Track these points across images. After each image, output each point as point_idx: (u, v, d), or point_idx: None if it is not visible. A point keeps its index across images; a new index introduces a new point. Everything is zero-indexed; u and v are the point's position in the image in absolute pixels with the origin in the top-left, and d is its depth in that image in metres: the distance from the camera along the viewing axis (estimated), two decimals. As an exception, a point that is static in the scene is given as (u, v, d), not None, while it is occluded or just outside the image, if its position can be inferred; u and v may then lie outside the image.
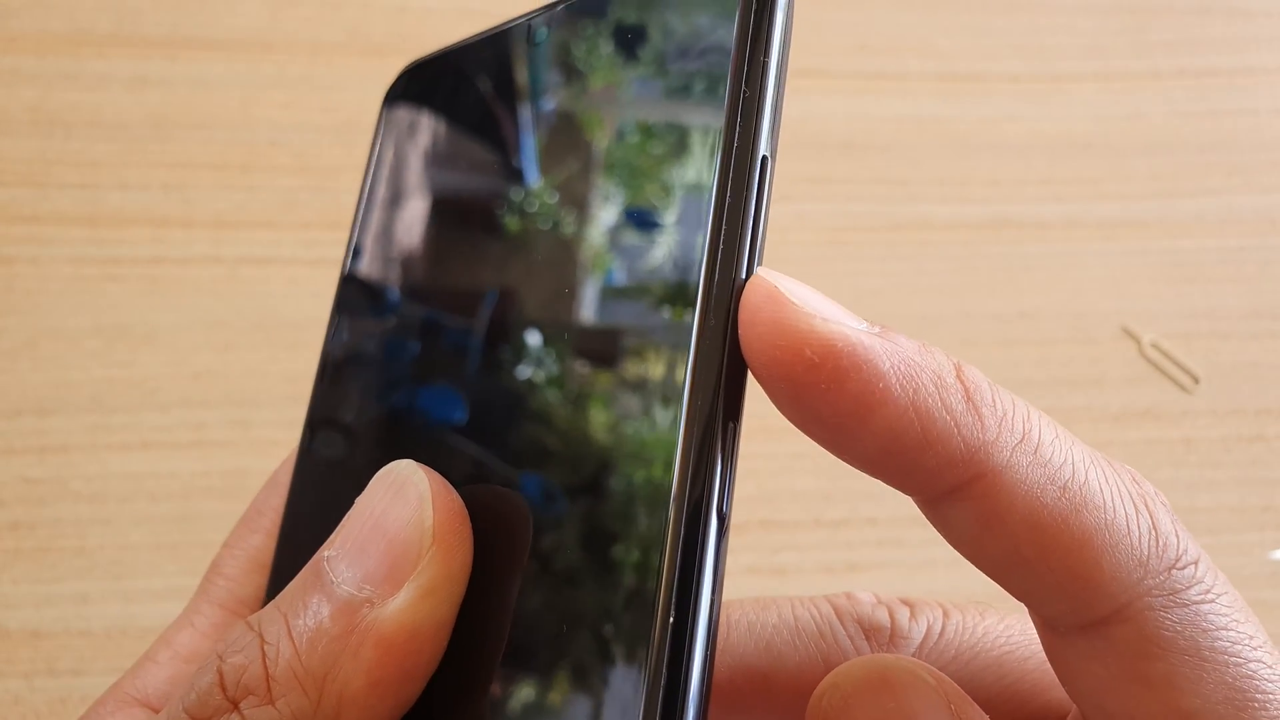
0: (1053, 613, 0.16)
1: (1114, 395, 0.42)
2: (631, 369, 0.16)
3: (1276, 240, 0.46)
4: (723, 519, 0.15)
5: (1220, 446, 0.41)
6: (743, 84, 0.16)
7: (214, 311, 0.40)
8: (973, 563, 0.16)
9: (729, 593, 0.37)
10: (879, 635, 0.20)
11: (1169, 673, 0.15)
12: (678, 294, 0.16)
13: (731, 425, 0.15)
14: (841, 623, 0.20)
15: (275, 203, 0.43)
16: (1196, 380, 0.42)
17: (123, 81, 0.44)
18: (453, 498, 0.17)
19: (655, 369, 0.16)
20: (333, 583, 0.16)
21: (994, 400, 0.15)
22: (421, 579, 0.16)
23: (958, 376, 0.15)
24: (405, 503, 0.17)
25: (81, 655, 0.35)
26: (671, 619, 0.14)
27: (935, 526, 0.16)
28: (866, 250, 0.45)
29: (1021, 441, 0.15)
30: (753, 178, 0.16)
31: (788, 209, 0.46)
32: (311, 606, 0.16)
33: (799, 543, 0.38)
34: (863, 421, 0.15)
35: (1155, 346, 0.43)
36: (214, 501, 0.38)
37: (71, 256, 0.41)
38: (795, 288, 0.15)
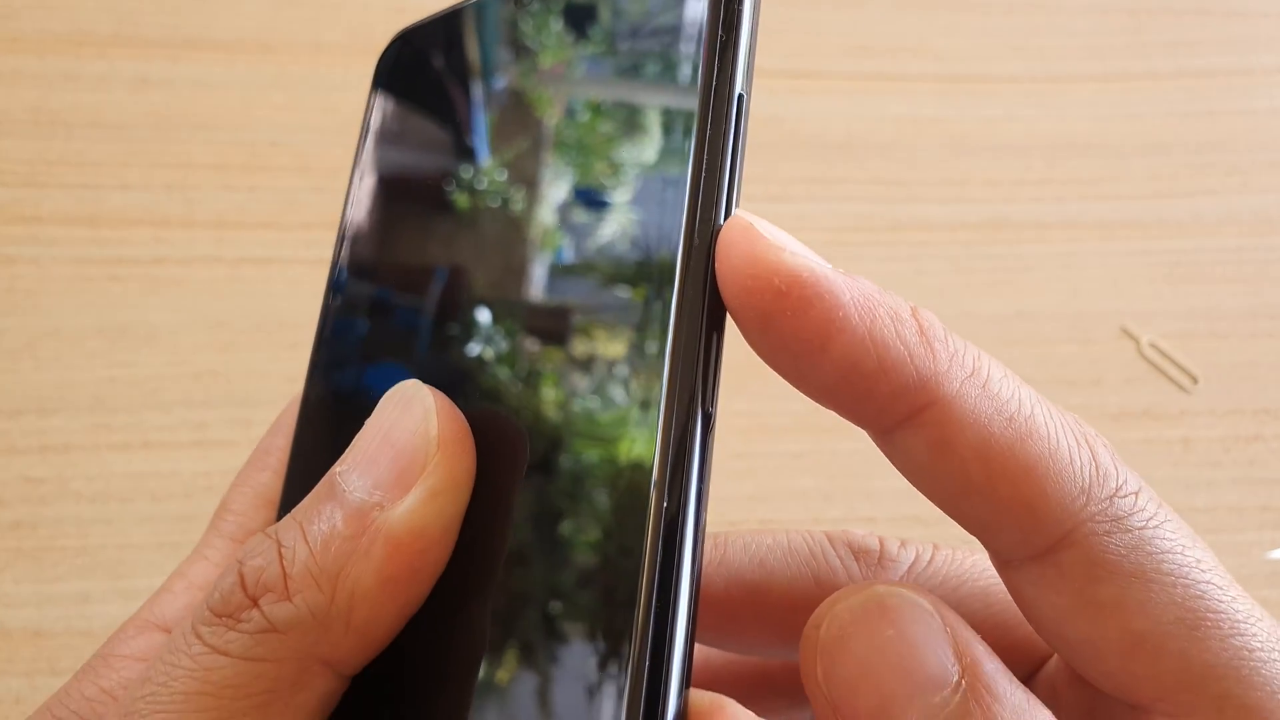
0: (1004, 544, 0.16)
1: (1113, 395, 0.42)
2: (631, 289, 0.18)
3: (1275, 240, 0.46)
4: (708, 417, 0.16)
5: (1219, 446, 0.42)
6: (719, 29, 0.18)
7: (215, 311, 0.41)
8: (926, 494, 0.17)
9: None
10: (868, 558, 0.21)
11: (1119, 596, 0.16)
12: (664, 235, 0.17)
13: (715, 335, 0.17)
14: (833, 546, 0.21)
15: (276, 203, 0.43)
16: (1195, 380, 0.43)
17: (124, 82, 0.44)
18: (455, 412, 0.18)
19: (651, 292, 0.17)
20: (344, 491, 0.17)
21: (946, 338, 0.17)
22: (428, 482, 0.17)
23: (913, 314, 0.17)
24: (411, 415, 0.18)
25: (83, 654, 0.35)
26: (665, 503, 0.16)
27: (890, 458, 0.17)
28: (866, 250, 0.45)
29: (971, 375, 0.16)
30: (730, 114, 0.17)
31: (787, 209, 0.46)
32: (325, 513, 0.17)
33: (798, 542, 0.38)
34: (823, 348, 0.16)
35: (1154, 346, 0.43)
36: (215, 501, 0.38)
37: (73, 257, 0.41)
38: (768, 227, 0.17)
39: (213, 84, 0.45)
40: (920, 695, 0.15)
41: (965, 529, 0.17)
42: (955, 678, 0.15)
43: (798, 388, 0.17)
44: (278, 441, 0.22)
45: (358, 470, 0.18)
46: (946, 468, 0.16)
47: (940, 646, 0.15)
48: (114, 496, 0.37)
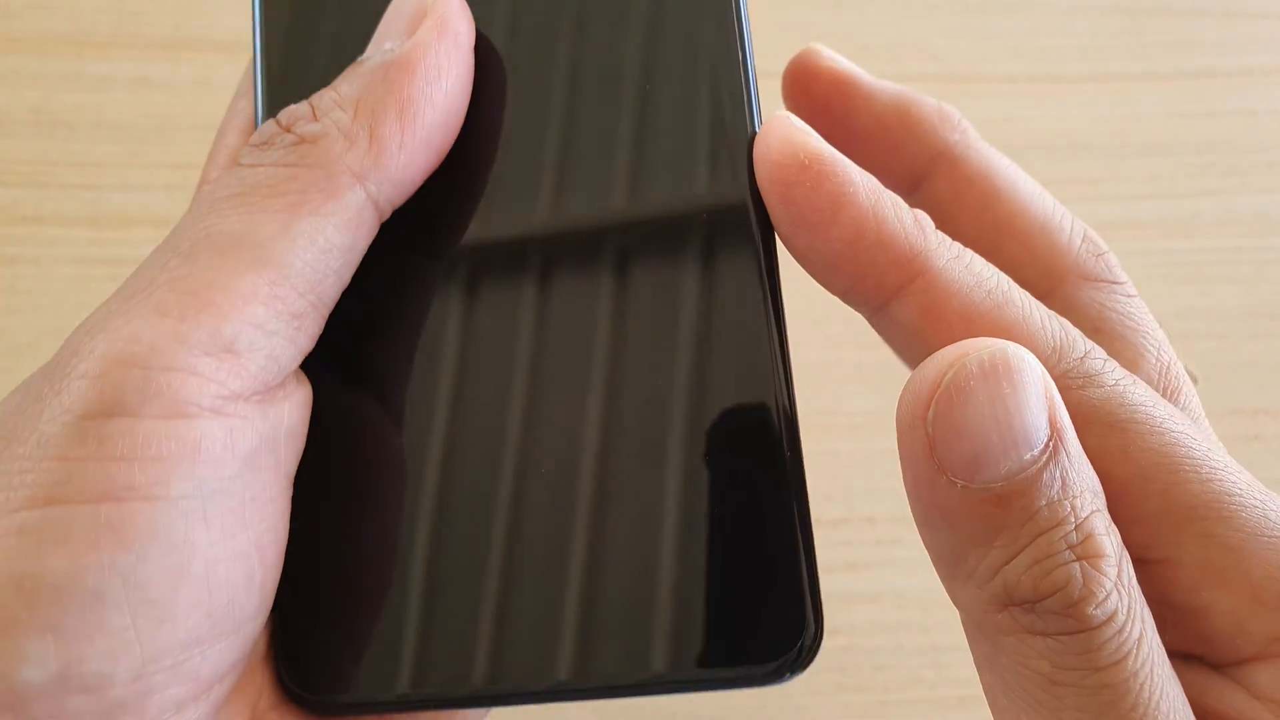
0: None
1: (1112, 395, 0.42)
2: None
3: (1274, 240, 0.46)
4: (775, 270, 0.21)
5: (1218, 446, 0.42)
6: None
7: (216, 312, 0.41)
8: (911, 364, 0.19)
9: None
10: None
11: (1098, 445, 0.17)
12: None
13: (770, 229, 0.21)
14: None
15: (277, 203, 0.43)
16: (1195, 380, 0.43)
17: (125, 83, 0.44)
18: None
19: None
20: (363, 59, 0.21)
21: (936, 228, 0.19)
22: (429, 21, 0.20)
23: (910, 208, 0.19)
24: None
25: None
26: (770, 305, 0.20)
27: (882, 333, 0.20)
28: (865, 251, 0.45)
29: (957, 256, 0.19)
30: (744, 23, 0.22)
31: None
32: (350, 74, 0.20)
33: (798, 541, 0.38)
34: (834, 217, 0.19)
35: (1153, 346, 0.43)
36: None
37: (74, 257, 0.41)
38: (801, 123, 0.20)
39: (214, 85, 0.45)
40: (1015, 450, 0.16)
41: None
42: (1045, 438, 0.16)
43: (808, 263, 0.20)
44: (241, 104, 0.24)
45: (374, 44, 0.21)
46: (934, 331, 0.19)
47: (1041, 410, 0.16)
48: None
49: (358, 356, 0.21)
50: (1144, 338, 0.21)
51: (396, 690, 0.20)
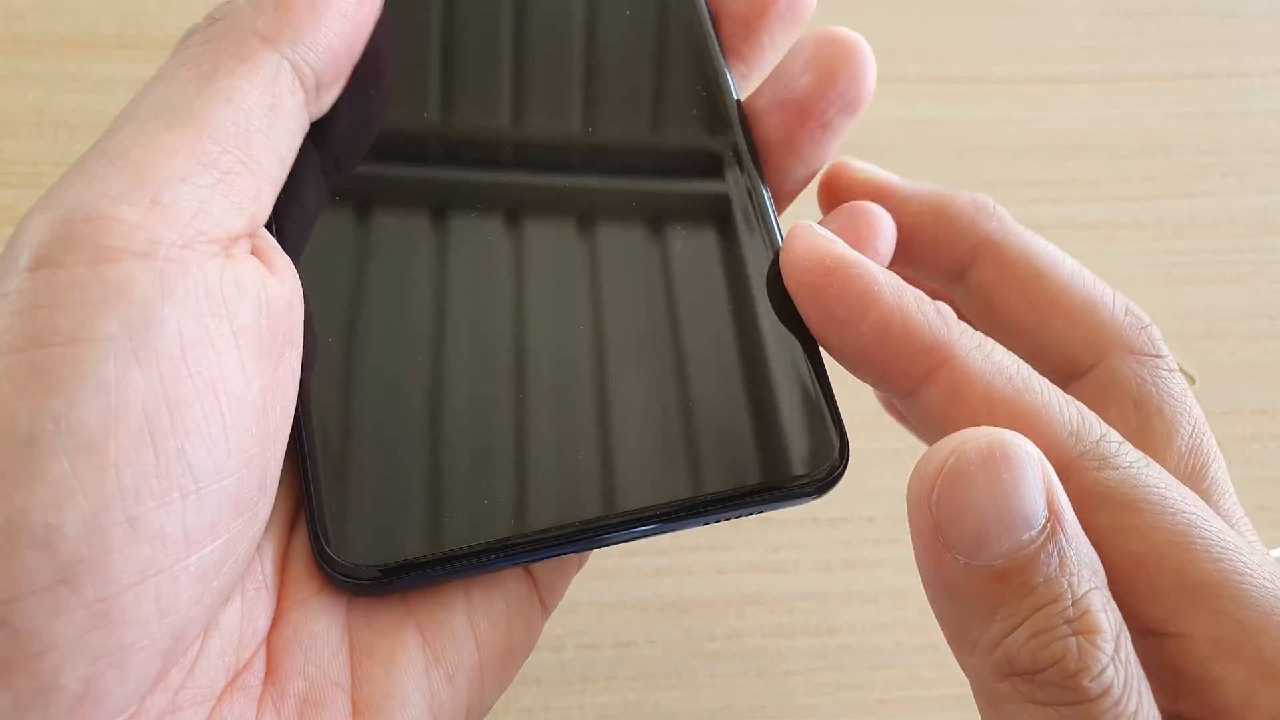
0: None
1: (1110, 395, 0.42)
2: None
3: (1272, 241, 0.46)
4: None
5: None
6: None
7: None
8: None
9: (729, 593, 0.38)
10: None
11: (1113, 523, 0.19)
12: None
13: None
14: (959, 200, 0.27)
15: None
16: (1193, 380, 0.43)
17: (127, 84, 0.44)
18: None
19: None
20: None
21: (957, 318, 0.21)
22: None
23: (932, 299, 0.21)
24: None
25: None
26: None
27: (910, 416, 0.21)
28: (865, 251, 0.45)
29: (978, 346, 0.20)
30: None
31: (791, 211, 0.46)
32: None
33: (798, 541, 0.38)
34: (862, 314, 0.20)
35: (1151, 347, 0.43)
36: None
37: (76, 257, 0.41)
38: (823, 230, 0.22)
39: (215, 85, 0.45)
40: (1014, 530, 0.17)
41: None
42: (1043, 521, 0.17)
43: (840, 356, 0.21)
44: None
45: None
46: (958, 416, 0.20)
47: (1038, 493, 0.17)
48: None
49: (358, 246, 0.23)
50: (1180, 413, 0.23)
51: (444, 545, 0.20)
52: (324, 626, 0.20)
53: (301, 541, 0.21)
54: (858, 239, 0.23)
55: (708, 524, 0.21)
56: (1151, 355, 0.24)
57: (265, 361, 0.19)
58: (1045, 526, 0.17)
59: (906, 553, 0.39)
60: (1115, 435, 0.20)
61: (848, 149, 0.48)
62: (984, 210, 0.26)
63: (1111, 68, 0.50)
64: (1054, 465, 0.18)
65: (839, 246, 0.21)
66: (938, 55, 0.50)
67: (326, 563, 0.20)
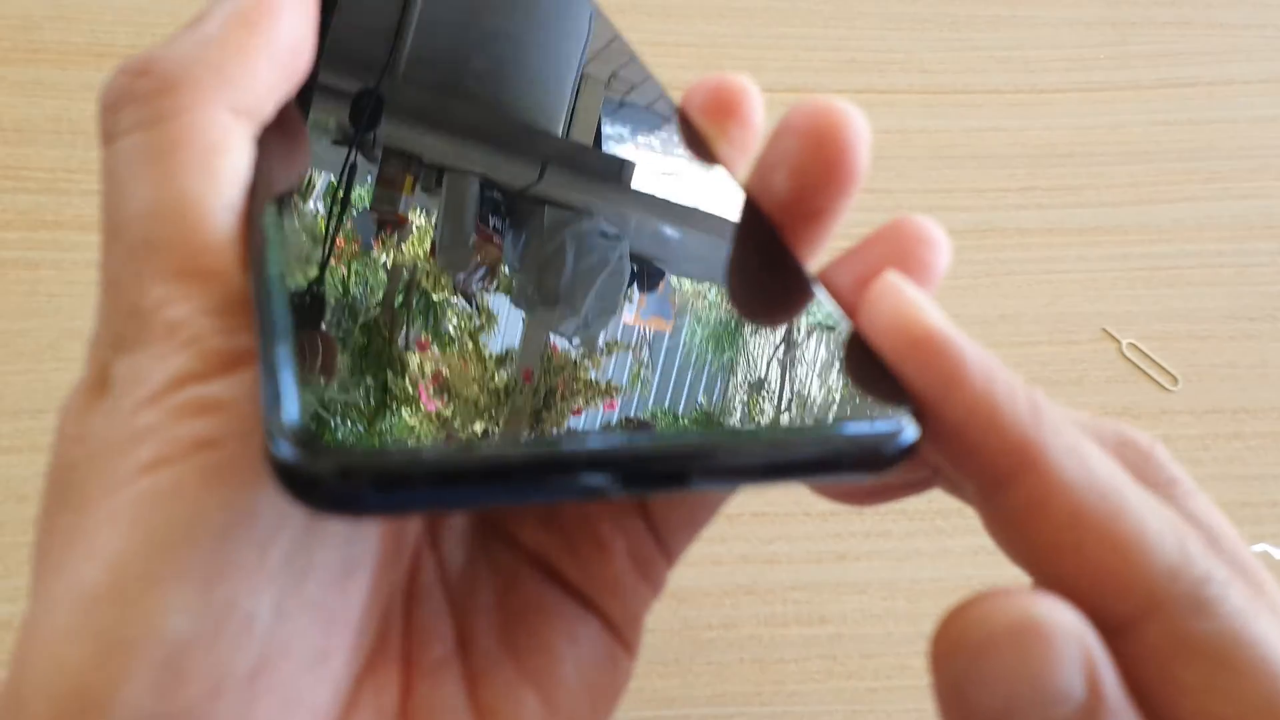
0: (1086, 611, 0.16)
1: (1094, 394, 0.43)
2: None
3: (1253, 244, 0.47)
4: None
5: (1199, 444, 0.43)
6: None
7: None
8: (1012, 556, 0.18)
9: (724, 583, 0.39)
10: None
11: (1203, 681, 0.16)
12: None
13: None
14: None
15: (288, 209, 0.44)
16: (1175, 380, 0.44)
17: (142, 93, 0.46)
18: None
19: None
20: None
21: (1052, 415, 0.18)
22: None
23: (1026, 390, 0.18)
24: None
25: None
26: None
27: (986, 520, 0.18)
28: (857, 255, 0.46)
29: (1072, 450, 0.17)
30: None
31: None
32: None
33: (789, 533, 0.39)
34: (947, 394, 0.17)
35: (1134, 347, 0.44)
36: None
37: (93, 261, 0.42)
38: (913, 291, 0.19)
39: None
40: (1044, 707, 0.15)
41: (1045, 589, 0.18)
42: (1081, 697, 0.15)
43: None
44: None
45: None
46: (1038, 529, 0.17)
47: (1074, 671, 0.15)
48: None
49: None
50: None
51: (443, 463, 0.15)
52: (451, 692, 0.20)
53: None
54: (907, 260, 0.21)
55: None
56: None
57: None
58: (1085, 706, 0.15)
59: (896, 545, 0.40)
60: (1221, 572, 0.17)
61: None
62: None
63: (1096, 77, 0.51)
64: (1143, 603, 0.16)
65: (929, 315, 0.18)
66: (926, 67, 0.51)
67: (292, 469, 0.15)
